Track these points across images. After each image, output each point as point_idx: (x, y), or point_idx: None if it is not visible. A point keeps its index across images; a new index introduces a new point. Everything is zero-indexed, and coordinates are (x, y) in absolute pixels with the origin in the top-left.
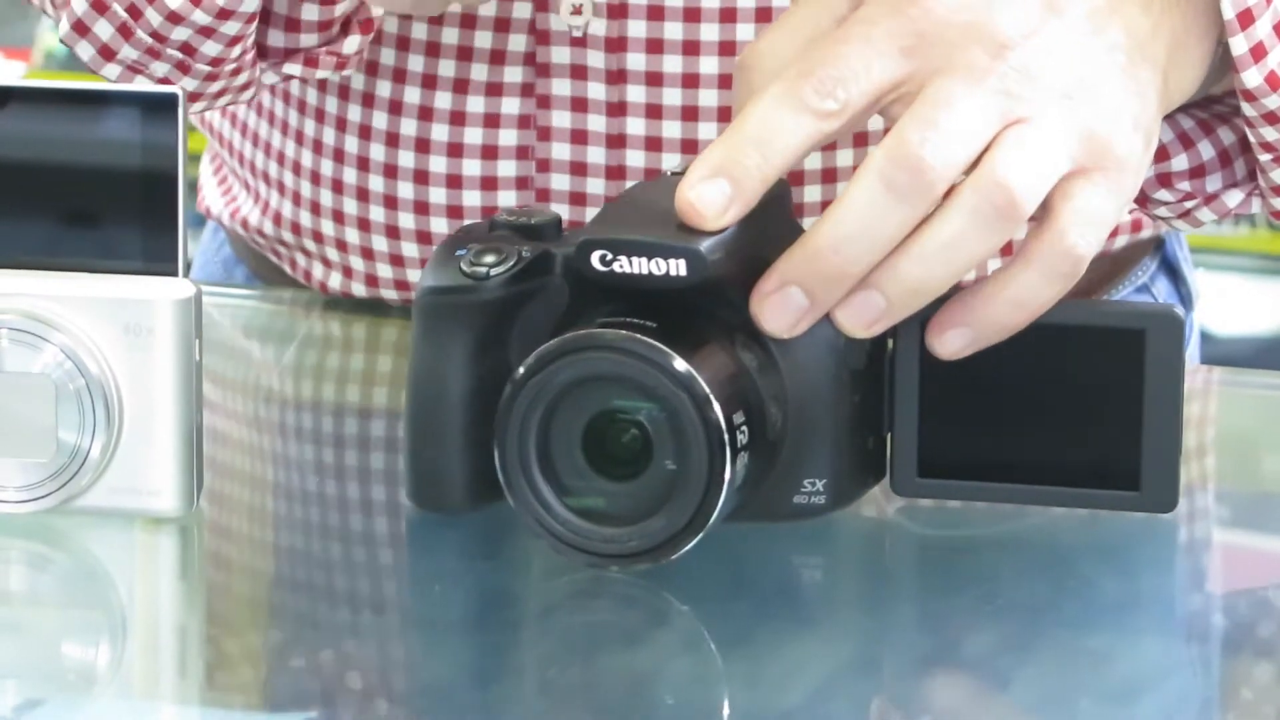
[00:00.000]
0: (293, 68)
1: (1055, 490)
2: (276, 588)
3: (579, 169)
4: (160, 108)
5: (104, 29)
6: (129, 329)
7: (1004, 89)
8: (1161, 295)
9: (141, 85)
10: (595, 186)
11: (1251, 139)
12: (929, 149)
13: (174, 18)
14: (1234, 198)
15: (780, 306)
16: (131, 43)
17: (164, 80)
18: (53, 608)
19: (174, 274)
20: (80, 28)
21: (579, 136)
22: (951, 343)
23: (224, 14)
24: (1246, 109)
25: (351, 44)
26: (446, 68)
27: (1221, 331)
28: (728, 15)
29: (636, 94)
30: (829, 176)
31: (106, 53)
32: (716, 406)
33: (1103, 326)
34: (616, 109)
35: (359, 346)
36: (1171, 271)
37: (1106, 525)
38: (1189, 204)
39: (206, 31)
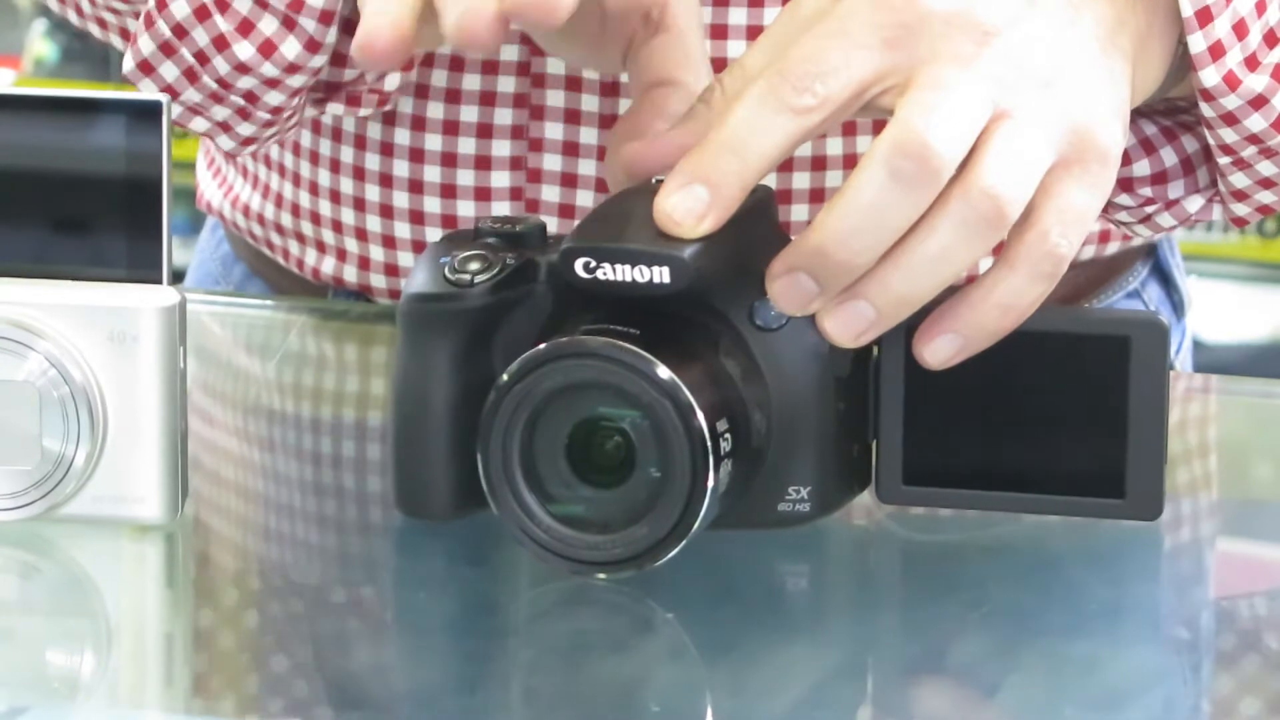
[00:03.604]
0: (336, 107)
1: (1040, 498)
2: (262, 595)
3: (570, 180)
4: (145, 115)
5: (170, 71)
6: (113, 337)
7: (993, 76)
8: (1153, 301)
9: (127, 93)
10: (585, 199)
11: (1211, 141)
12: (934, 134)
13: (242, 68)
14: (1195, 203)
15: (790, 289)
16: (196, 87)
17: (223, 124)
18: (38, 615)
19: (159, 281)
20: (146, 67)
21: (571, 149)
22: (940, 351)
23: (292, 68)
24: (1205, 109)
25: (393, 81)
26: (439, 77)
27: (1213, 339)
28: (719, 32)
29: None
30: (818, 164)
31: (170, 93)
32: (700, 414)
33: (1088, 334)
34: (609, 121)
35: (348, 353)
36: (1163, 278)
37: (1093, 532)
38: (1149, 209)
39: (272, 83)
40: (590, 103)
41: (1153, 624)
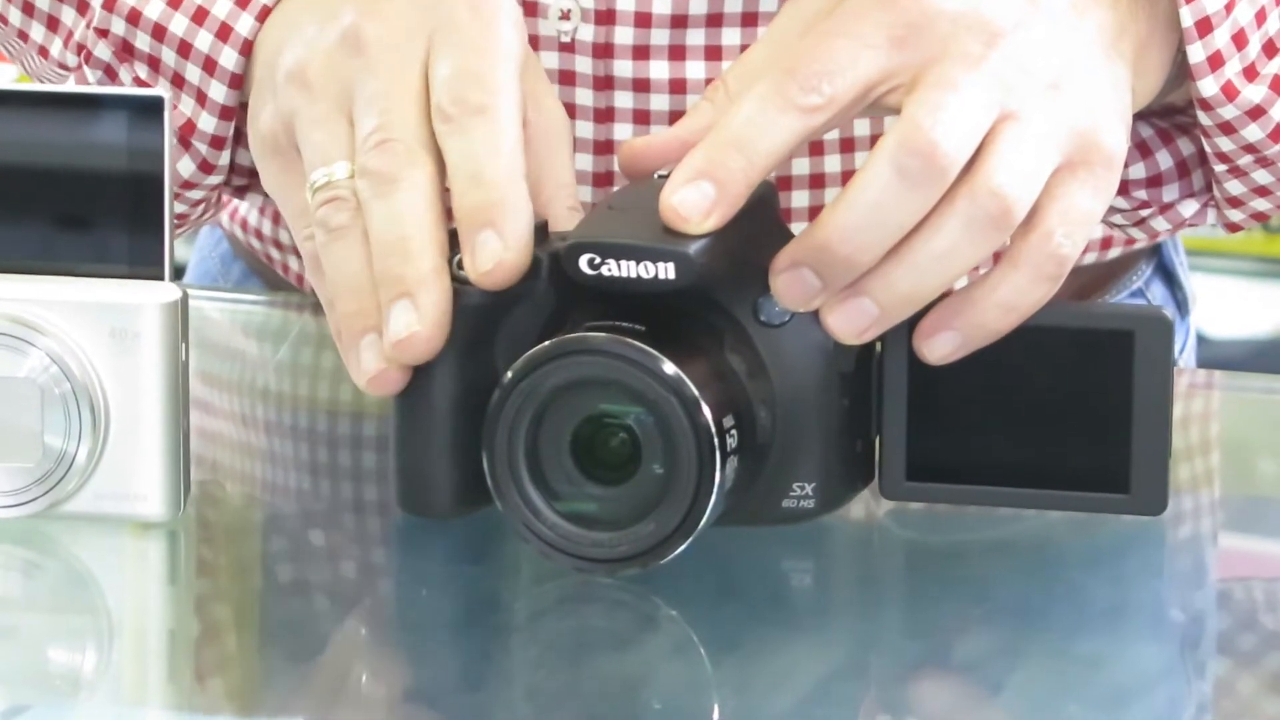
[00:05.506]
0: (256, 197)
1: (1044, 493)
2: (264, 593)
3: None
4: (146, 111)
5: None
6: (115, 333)
7: (1000, 77)
8: (1156, 300)
9: (128, 89)
10: (583, 194)
11: (1207, 149)
12: (941, 133)
13: None
14: (1189, 208)
15: (793, 284)
16: None
17: None
18: (40, 613)
19: (160, 278)
20: None
21: None
22: (940, 347)
23: (188, 185)
24: (1202, 118)
25: None
26: None
27: (1217, 334)
28: (714, 20)
29: (624, 100)
30: (817, 182)
31: None
32: (706, 410)
33: (1092, 328)
34: (604, 115)
35: None
36: (1167, 276)
37: (1097, 529)
38: (1144, 212)
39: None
40: (584, 96)
41: (1157, 621)
